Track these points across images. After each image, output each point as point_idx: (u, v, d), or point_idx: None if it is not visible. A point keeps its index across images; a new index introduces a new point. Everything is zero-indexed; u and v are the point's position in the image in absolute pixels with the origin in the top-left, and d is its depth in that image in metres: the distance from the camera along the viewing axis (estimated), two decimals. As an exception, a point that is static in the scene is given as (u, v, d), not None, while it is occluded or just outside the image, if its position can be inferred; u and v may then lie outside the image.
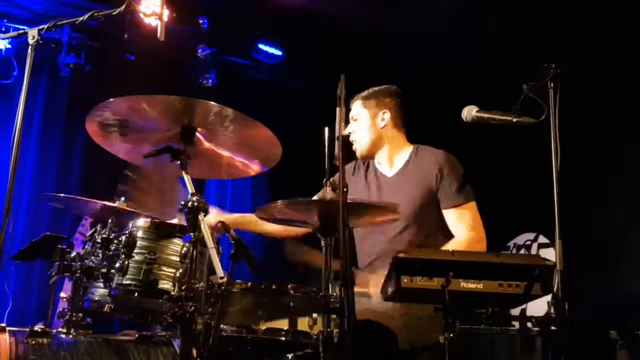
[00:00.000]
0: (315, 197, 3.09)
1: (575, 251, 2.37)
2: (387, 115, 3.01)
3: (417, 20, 4.62)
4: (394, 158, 3.02)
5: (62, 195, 3.25)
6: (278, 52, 5.34)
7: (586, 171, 3.88)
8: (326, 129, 2.11)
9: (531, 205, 3.90)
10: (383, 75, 3.28)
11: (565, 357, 2.42)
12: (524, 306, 4.00)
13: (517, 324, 3.72)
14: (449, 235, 2.80)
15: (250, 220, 2.99)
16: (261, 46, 5.29)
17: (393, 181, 2.97)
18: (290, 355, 2.12)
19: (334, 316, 1.97)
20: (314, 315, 2.08)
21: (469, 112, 2.57)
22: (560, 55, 2.51)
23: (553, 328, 3.17)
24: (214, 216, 2.77)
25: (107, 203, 2.86)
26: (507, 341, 3.41)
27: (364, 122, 3.02)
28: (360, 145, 3.03)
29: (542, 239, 4.48)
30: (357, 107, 3.05)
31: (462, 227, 2.78)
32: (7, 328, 2.19)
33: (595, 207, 4.01)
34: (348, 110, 3.05)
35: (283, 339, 2.10)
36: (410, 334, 2.46)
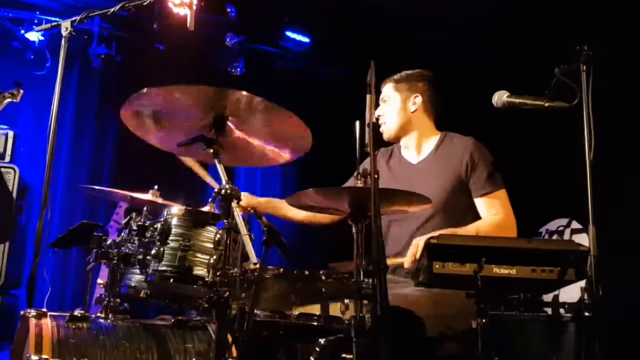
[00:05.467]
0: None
1: (609, 236, 2.34)
2: (419, 99, 2.99)
3: (447, 4, 4.56)
4: (422, 144, 3.00)
5: (96, 187, 3.32)
6: (306, 39, 5.33)
7: (620, 155, 3.81)
8: (357, 123, 2.11)
9: (564, 191, 3.85)
10: (412, 60, 3.25)
11: (599, 343, 2.40)
12: (556, 292, 3.97)
13: (549, 310, 3.70)
14: None
15: (276, 205, 3.06)
16: (289, 33, 5.29)
17: (420, 168, 2.96)
18: (322, 340, 2.14)
19: (365, 302, 1.99)
20: (346, 300, 2.09)
21: (500, 97, 2.55)
22: (593, 38, 2.47)
23: (587, 314, 3.14)
24: (244, 199, 2.84)
25: (139, 195, 2.90)
26: (539, 327, 3.39)
27: (395, 105, 3.00)
28: (389, 127, 3.01)
29: (575, 225, 4.42)
30: (389, 89, 3.03)
31: (492, 213, 2.76)
32: (49, 313, 2.26)
33: (630, 191, 3.95)
34: (379, 92, 3.04)
35: (315, 324, 2.12)
36: (441, 321, 2.46)
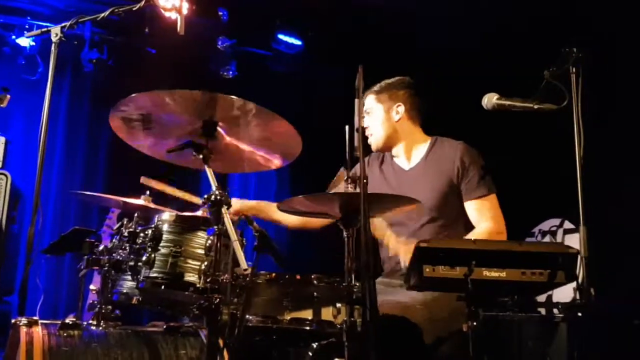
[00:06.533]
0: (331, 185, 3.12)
1: (601, 237, 2.35)
2: (402, 108, 2.98)
3: (441, 8, 4.57)
4: (412, 151, 3.00)
5: (89, 193, 3.32)
6: (298, 42, 5.34)
7: (614, 156, 3.83)
8: (347, 127, 2.12)
9: (557, 191, 3.87)
10: (403, 63, 3.26)
11: (590, 344, 2.41)
12: (550, 292, 3.98)
13: (543, 311, 3.71)
14: (470, 227, 2.80)
15: (266, 209, 3.06)
16: (281, 36, 5.29)
17: (412, 174, 2.96)
18: (315, 345, 2.15)
19: (357, 306, 1.99)
20: (338, 305, 2.09)
21: (490, 99, 2.56)
22: (582, 39, 2.48)
23: (579, 314, 3.15)
24: (234, 203, 2.85)
25: (132, 200, 2.90)
26: (533, 328, 3.40)
27: (378, 117, 2.99)
28: (376, 139, 3.01)
29: (568, 225, 4.44)
30: (371, 102, 3.02)
31: (483, 219, 2.78)
32: (40, 321, 2.25)
33: (621, 191, 3.96)
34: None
35: (308, 328, 2.12)
36: (435, 325, 2.47)
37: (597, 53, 2.48)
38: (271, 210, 3.08)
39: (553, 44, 2.50)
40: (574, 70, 2.39)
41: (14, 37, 4.73)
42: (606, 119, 3.70)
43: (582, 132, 2.36)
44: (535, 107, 2.43)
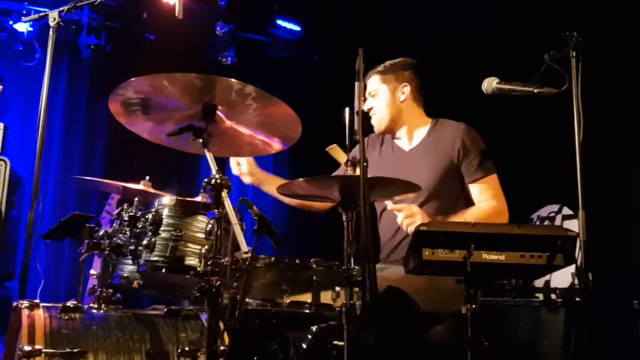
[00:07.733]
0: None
1: (598, 221, 2.36)
2: (407, 88, 2.97)
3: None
4: (414, 132, 3.00)
5: (88, 178, 3.32)
6: (297, 28, 5.32)
7: (611, 141, 3.83)
8: (347, 110, 2.11)
9: (555, 177, 3.88)
10: (402, 48, 3.24)
11: (588, 328, 2.43)
12: (547, 278, 4.00)
13: (541, 296, 3.73)
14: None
15: (274, 182, 3.00)
16: (280, 22, 5.27)
17: (411, 154, 2.96)
18: (314, 328, 2.16)
19: (356, 289, 2.00)
20: (337, 288, 2.11)
21: (489, 84, 2.55)
22: (582, 23, 2.48)
23: (577, 299, 3.17)
24: (248, 165, 2.96)
25: (131, 185, 2.90)
26: (530, 313, 3.42)
27: (384, 98, 2.97)
28: (379, 120, 2.98)
29: (567, 211, 4.45)
30: (375, 83, 3.00)
31: (484, 198, 2.79)
32: (41, 304, 2.26)
33: (619, 176, 3.97)
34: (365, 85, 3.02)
35: (307, 311, 2.14)
36: (432, 306, 2.48)
37: (597, 36, 2.48)
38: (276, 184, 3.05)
39: (553, 28, 2.49)
40: (574, 54, 2.38)
41: (11, 22, 4.71)
42: (606, 104, 3.70)
43: (582, 116, 2.36)
44: (535, 91, 2.43)
